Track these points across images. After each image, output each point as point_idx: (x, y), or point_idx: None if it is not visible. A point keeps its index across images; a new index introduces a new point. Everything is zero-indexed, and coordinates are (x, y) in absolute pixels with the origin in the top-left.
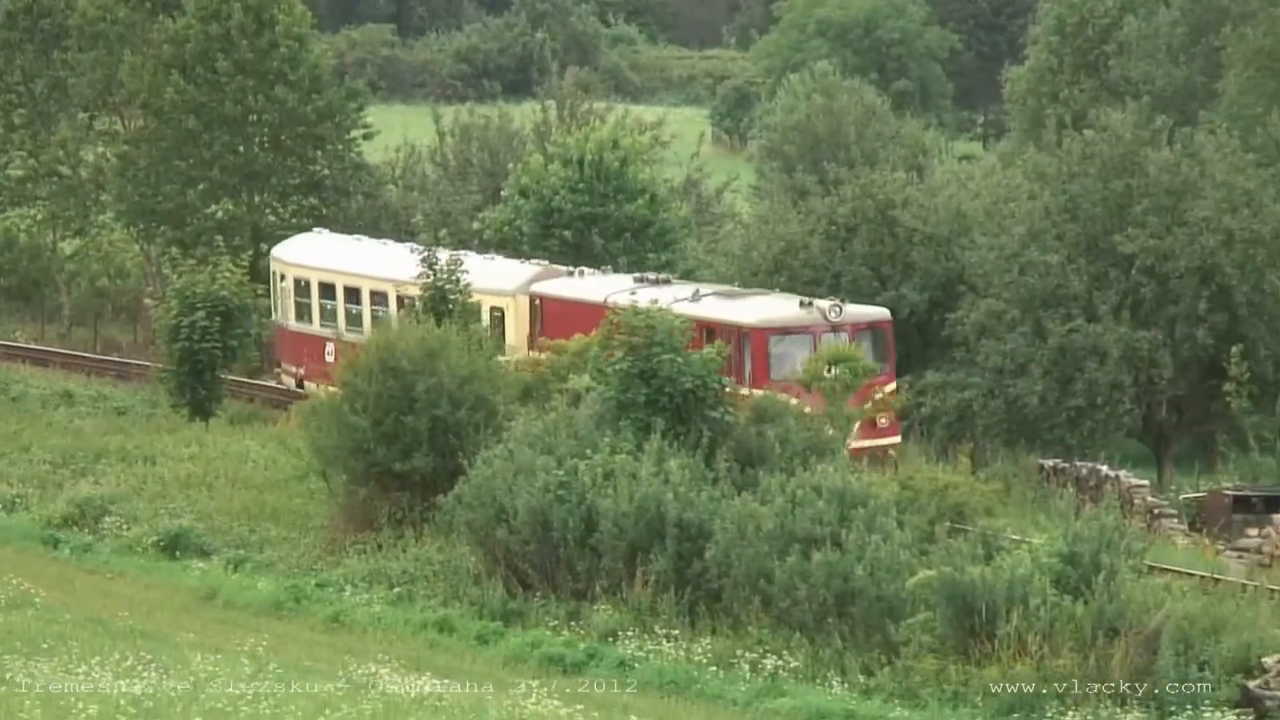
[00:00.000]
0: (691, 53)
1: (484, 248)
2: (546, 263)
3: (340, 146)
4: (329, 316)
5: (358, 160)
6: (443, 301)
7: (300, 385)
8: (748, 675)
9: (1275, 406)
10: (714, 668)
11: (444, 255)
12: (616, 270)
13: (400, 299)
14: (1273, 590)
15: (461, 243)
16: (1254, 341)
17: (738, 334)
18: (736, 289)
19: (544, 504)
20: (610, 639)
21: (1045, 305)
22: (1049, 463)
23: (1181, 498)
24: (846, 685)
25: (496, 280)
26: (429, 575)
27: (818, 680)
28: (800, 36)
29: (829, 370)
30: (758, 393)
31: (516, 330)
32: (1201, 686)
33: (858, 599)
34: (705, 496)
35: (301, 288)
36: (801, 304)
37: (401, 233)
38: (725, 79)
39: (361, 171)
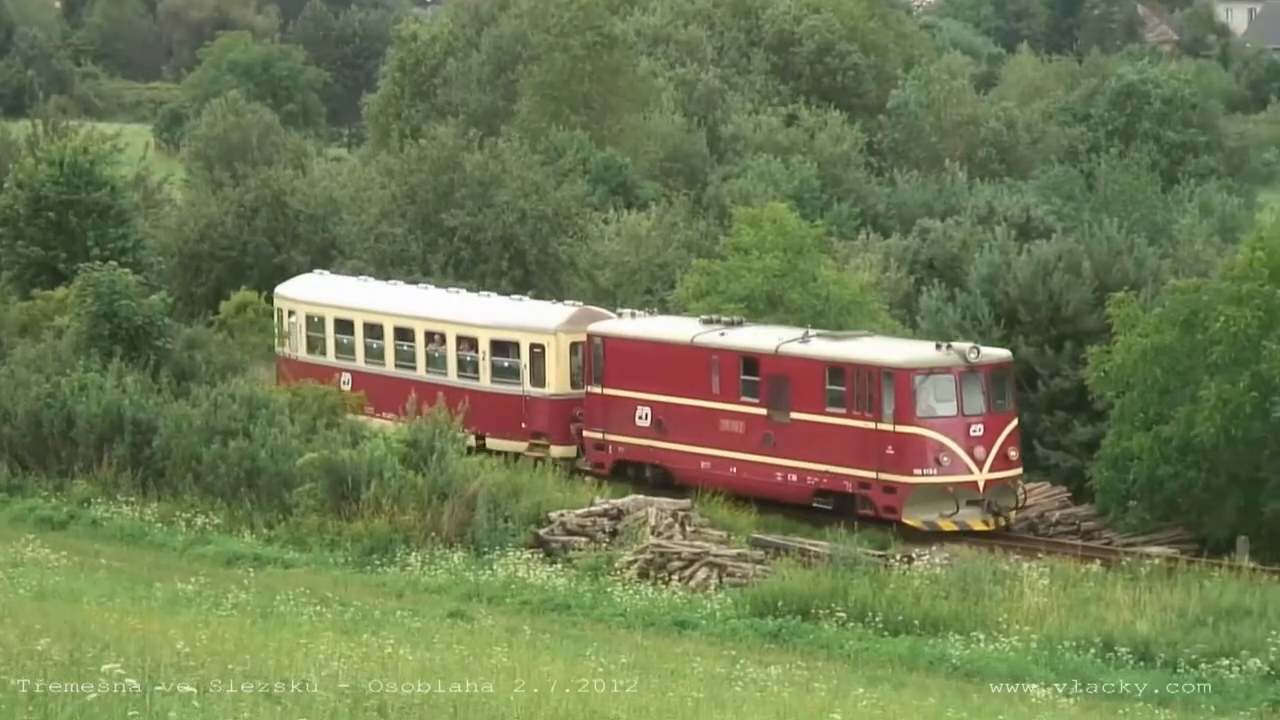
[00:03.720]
0: (139, 84)
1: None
2: (581, 304)
3: None
4: (345, 350)
5: None
6: None
7: None
8: (184, 529)
9: None
10: (160, 524)
11: (466, 295)
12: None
13: (429, 335)
14: (555, 465)
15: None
16: (541, 290)
17: (879, 374)
18: (838, 331)
19: (36, 409)
20: (86, 504)
21: (393, 264)
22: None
23: None
24: (255, 535)
25: (536, 319)
26: None
27: (234, 532)
28: (217, 72)
29: (239, 311)
30: (902, 429)
31: (557, 364)
32: (506, 533)
33: (262, 474)
34: (153, 402)
35: (315, 323)
36: (938, 346)
37: None
38: (164, 103)
39: None
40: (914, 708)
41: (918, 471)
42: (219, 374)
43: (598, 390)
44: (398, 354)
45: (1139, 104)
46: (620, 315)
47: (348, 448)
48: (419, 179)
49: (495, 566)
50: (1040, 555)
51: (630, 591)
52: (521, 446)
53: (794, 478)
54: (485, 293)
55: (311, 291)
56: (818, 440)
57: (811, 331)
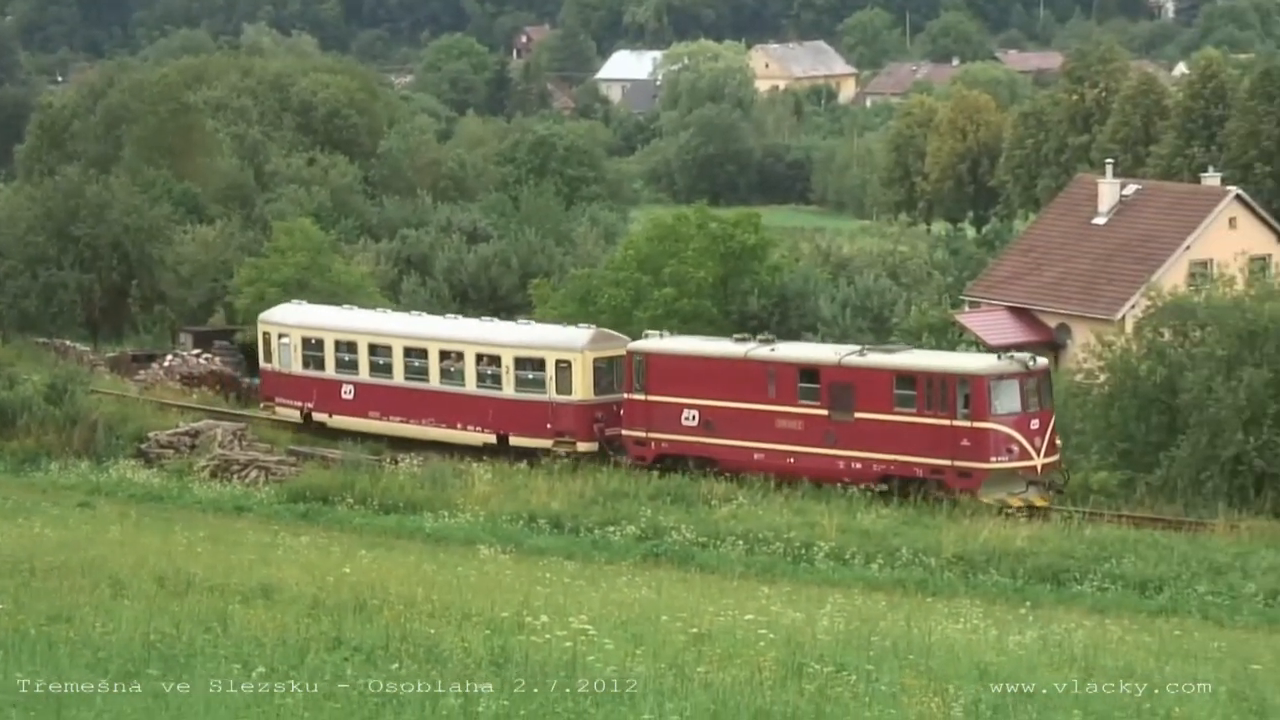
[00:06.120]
0: None
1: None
2: (596, 327)
3: None
4: (347, 366)
5: None
6: None
7: (307, 417)
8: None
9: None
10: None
11: (469, 320)
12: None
13: (443, 353)
14: (152, 401)
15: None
16: (143, 279)
17: (954, 380)
18: (885, 344)
19: None
20: None
21: (39, 262)
22: (43, 340)
23: (107, 355)
24: None
25: (562, 340)
26: None
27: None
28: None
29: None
30: (979, 425)
31: (582, 377)
32: (118, 447)
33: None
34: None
35: (312, 344)
36: (1000, 357)
37: None
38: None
39: None
40: (400, 563)
41: (993, 459)
42: None
43: (640, 397)
44: (408, 369)
45: (549, 150)
46: (648, 336)
47: (5, 390)
48: (55, 203)
49: (111, 471)
50: (485, 459)
51: (205, 487)
52: (546, 443)
53: (858, 465)
54: (487, 318)
55: (301, 317)
56: (884, 435)
57: (867, 347)
